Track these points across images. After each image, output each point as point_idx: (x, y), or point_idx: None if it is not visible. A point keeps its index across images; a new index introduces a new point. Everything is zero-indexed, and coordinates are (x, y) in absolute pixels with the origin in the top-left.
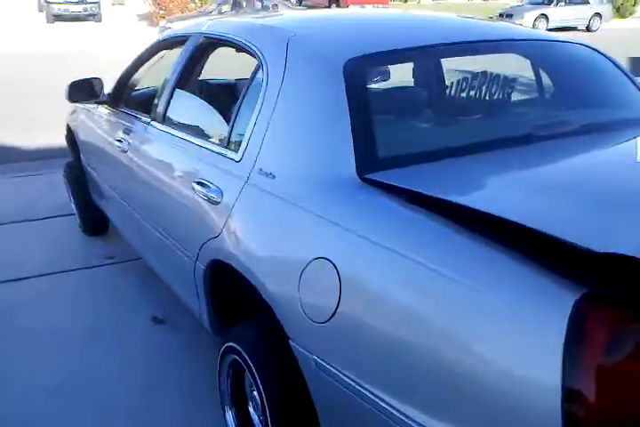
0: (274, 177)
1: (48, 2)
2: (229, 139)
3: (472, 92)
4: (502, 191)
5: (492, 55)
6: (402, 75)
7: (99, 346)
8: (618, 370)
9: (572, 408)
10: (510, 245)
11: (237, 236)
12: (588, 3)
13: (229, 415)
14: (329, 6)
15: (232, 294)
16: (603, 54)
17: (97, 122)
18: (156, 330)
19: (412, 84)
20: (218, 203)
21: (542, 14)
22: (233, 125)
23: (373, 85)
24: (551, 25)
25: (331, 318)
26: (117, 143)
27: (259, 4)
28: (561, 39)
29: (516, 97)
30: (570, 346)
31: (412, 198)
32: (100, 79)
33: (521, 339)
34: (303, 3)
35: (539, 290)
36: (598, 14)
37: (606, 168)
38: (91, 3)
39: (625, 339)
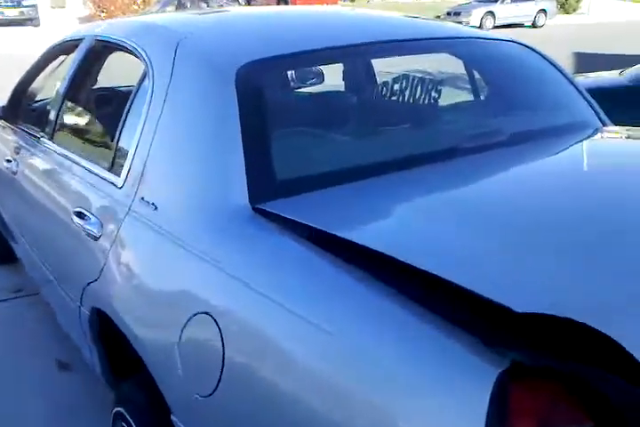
0: (155, 208)
1: None
2: (113, 159)
3: (393, 99)
4: (417, 224)
5: (421, 56)
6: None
7: None
8: None
9: None
10: (421, 300)
11: (115, 281)
12: None
13: None
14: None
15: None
16: (538, 53)
17: None
18: (58, 377)
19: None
20: (97, 238)
21: (489, 12)
22: (117, 143)
23: (298, 89)
24: (498, 22)
25: (214, 391)
26: (6, 164)
27: (204, 5)
28: (494, 37)
29: (444, 103)
30: None
31: (312, 237)
32: None
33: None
34: (252, 3)
35: (454, 362)
36: (543, 10)
37: (536, 189)
38: (27, 6)
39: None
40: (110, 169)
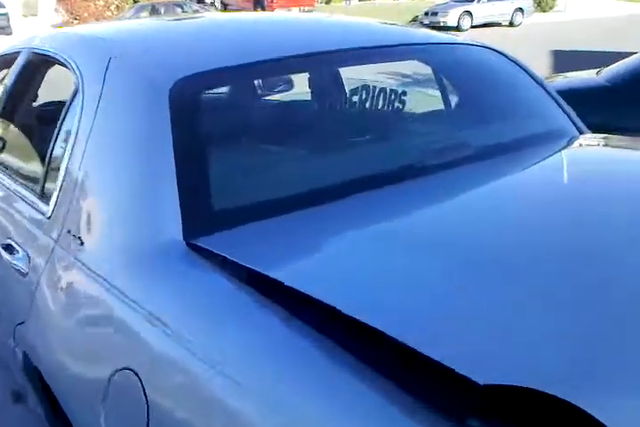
0: (82, 243)
1: None
2: (44, 185)
3: (353, 112)
4: (368, 262)
5: (383, 64)
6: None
7: None
8: None
9: None
10: (365, 359)
11: (39, 325)
12: None
13: None
14: (254, 11)
15: None
16: (508, 57)
17: None
18: (13, 409)
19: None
20: (25, 274)
21: (466, 11)
22: (48, 166)
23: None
24: (475, 22)
25: None
26: None
27: (178, 10)
28: (462, 42)
29: (408, 114)
30: None
31: (249, 278)
32: None
33: None
34: (228, 8)
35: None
36: (520, 9)
37: (504, 214)
38: None
39: None
40: (41, 196)
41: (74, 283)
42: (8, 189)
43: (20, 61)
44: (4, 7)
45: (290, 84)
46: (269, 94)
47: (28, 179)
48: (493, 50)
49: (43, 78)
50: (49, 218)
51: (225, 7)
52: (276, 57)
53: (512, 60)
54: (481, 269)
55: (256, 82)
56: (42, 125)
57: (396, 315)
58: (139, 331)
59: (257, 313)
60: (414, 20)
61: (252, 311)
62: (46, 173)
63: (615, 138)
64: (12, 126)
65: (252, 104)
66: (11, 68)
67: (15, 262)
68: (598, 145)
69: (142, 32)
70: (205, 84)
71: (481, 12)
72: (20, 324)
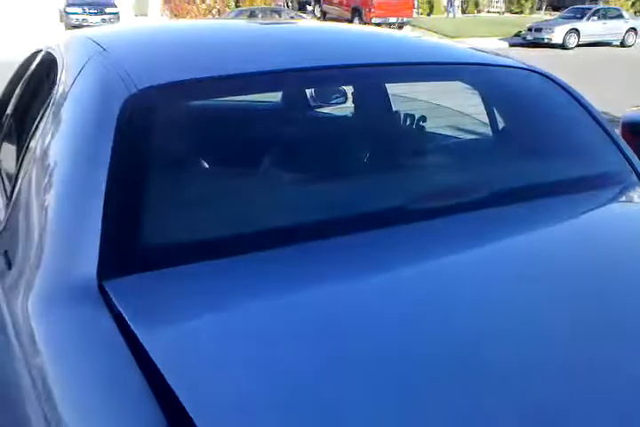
0: (10, 267)
1: (67, 12)
2: (10, 192)
3: (337, 138)
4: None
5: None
6: None
7: None
8: None
9: None
10: None
11: None
12: (623, 17)
13: None
14: (351, 20)
15: None
16: (562, 86)
17: None
18: None
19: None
20: None
21: (573, 29)
22: (17, 172)
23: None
24: (583, 40)
25: None
26: None
27: (275, 16)
28: (506, 63)
29: (398, 149)
30: None
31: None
32: None
33: None
34: (327, 16)
35: None
36: (633, 29)
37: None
38: (110, 13)
39: None
40: (5, 202)
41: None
42: None
43: (36, 60)
44: (116, 7)
45: (344, 97)
46: (322, 106)
47: (4, 184)
48: (547, 76)
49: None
50: (2, 230)
51: (324, 15)
52: (243, 72)
53: (565, 89)
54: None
55: (308, 93)
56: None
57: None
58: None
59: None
60: (517, 34)
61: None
62: (14, 179)
63: None
64: (12, 127)
65: (216, 125)
66: (29, 68)
67: None
68: None
69: (137, 37)
70: (167, 97)
71: (589, 31)
72: None
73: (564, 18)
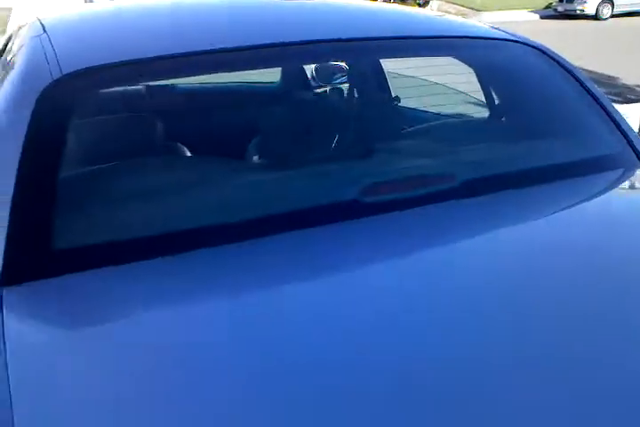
0: None
1: None
2: None
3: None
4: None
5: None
6: None
7: None
8: None
9: None
10: None
11: None
12: None
13: None
14: None
15: None
16: (555, 59)
17: None
18: None
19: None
20: None
21: None
22: None
23: None
24: (617, 10)
25: None
26: None
27: None
28: (495, 36)
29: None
30: None
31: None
32: None
33: None
34: None
35: None
36: None
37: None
38: None
39: None
40: None
41: None
42: None
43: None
44: None
45: (346, 76)
46: (324, 86)
47: None
48: (541, 50)
49: None
50: None
51: None
52: (194, 50)
53: (560, 63)
54: None
55: (309, 73)
56: None
57: None
58: None
59: None
60: (548, 6)
61: None
62: None
63: None
64: None
65: (147, 108)
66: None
67: None
68: None
69: (90, 14)
70: (90, 83)
71: (624, 0)
72: None
73: None
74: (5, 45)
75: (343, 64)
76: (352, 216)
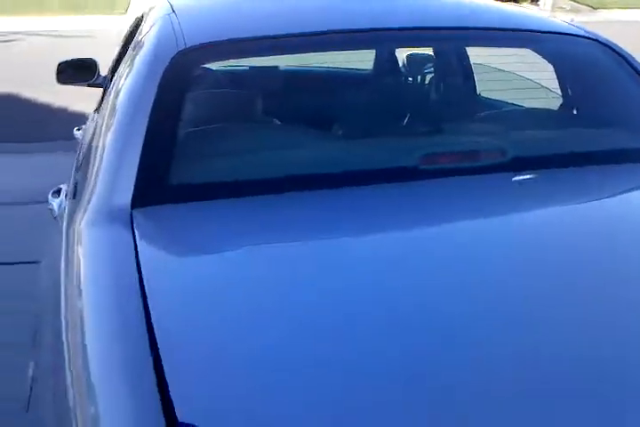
0: (74, 196)
1: None
2: (91, 137)
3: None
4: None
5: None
6: None
7: None
8: None
9: None
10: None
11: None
12: None
13: None
14: None
15: None
16: (621, 54)
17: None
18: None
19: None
20: (55, 218)
21: None
22: (98, 122)
23: None
24: None
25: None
26: (76, 132)
27: None
28: (568, 31)
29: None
30: None
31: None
32: (93, 60)
33: None
34: None
35: None
36: None
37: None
38: None
39: None
40: (89, 145)
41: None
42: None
43: (137, 23)
44: None
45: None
46: (415, 75)
47: (95, 130)
48: (607, 45)
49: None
50: (78, 169)
51: None
52: (287, 33)
53: (626, 59)
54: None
55: (400, 62)
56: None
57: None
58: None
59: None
60: None
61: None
62: (96, 125)
63: None
64: (111, 87)
65: (252, 84)
66: (132, 30)
67: (52, 208)
68: None
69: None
70: (208, 56)
71: None
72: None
73: None
74: (137, 24)
75: (431, 53)
76: (409, 179)
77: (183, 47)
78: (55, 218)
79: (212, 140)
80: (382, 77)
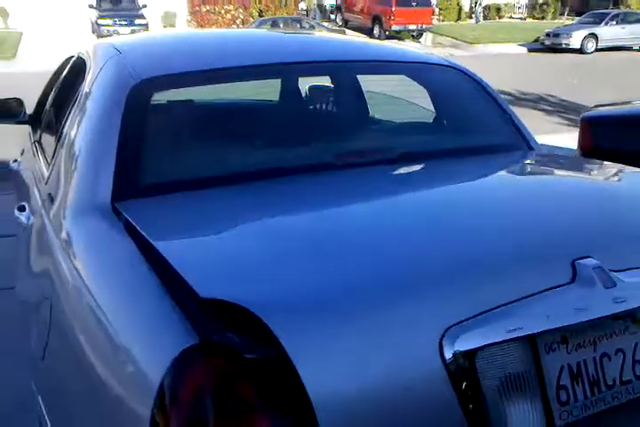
0: (52, 201)
1: (99, 24)
2: (52, 156)
3: (291, 114)
4: (217, 230)
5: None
6: None
7: None
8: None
9: None
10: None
11: (21, 260)
12: None
13: None
14: (372, 28)
15: None
16: (471, 76)
17: (19, 142)
18: None
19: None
20: (25, 228)
21: (591, 33)
22: (57, 142)
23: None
24: (601, 44)
25: (43, 355)
26: (12, 164)
27: (297, 25)
28: (431, 61)
29: (349, 119)
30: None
31: (133, 235)
32: (19, 99)
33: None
34: (348, 24)
35: (164, 328)
36: None
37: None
38: (139, 25)
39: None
40: (48, 166)
41: (39, 232)
42: (41, 162)
43: (70, 63)
44: (145, 19)
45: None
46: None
47: (47, 157)
48: (465, 73)
49: (77, 78)
50: (46, 183)
51: (346, 23)
52: (225, 66)
53: (476, 81)
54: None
55: (303, 93)
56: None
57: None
58: (60, 267)
59: (127, 262)
60: (536, 40)
61: (124, 260)
62: (55, 148)
63: (557, 158)
64: (55, 114)
65: (199, 105)
66: (64, 69)
67: (22, 218)
68: (538, 158)
69: (147, 42)
70: (158, 85)
71: (608, 35)
72: (18, 263)
73: (582, 23)
74: (75, 64)
75: (330, 85)
76: (327, 170)
77: (139, 80)
78: (25, 228)
79: (167, 148)
80: (291, 103)
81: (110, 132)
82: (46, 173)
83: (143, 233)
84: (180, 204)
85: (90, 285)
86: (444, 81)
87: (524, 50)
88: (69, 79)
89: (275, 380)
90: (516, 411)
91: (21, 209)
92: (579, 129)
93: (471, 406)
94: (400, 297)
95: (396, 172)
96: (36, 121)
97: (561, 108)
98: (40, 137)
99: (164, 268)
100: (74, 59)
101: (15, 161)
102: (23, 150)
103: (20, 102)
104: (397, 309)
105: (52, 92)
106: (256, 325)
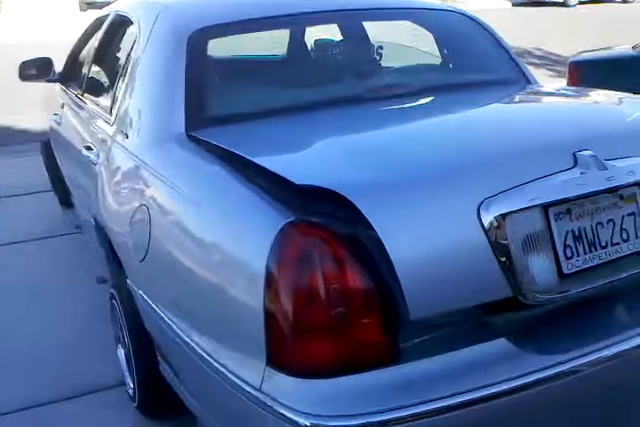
0: (127, 136)
1: None
2: (111, 103)
3: (324, 59)
4: (292, 146)
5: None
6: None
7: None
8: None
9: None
10: (257, 183)
11: (100, 194)
12: None
13: (120, 352)
14: None
15: None
16: (477, 21)
17: (51, 99)
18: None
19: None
20: (96, 164)
21: None
22: (115, 90)
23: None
24: None
25: (145, 257)
26: (54, 117)
27: None
28: (441, 7)
29: (370, 62)
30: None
31: (215, 153)
32: (50, 58)
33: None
34: None
35: (261, 215)
36: None
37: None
38: None
39: (315, 256)
40: (109, 111)
41: (120, 162)
42: (93, 111)
43: (107, 21)
44: None
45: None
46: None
47: (104, 102)
48: (467, 16)
49: (123, 33)
50: (111, 125)
51: None
52: (272, 15)
53: (482, 25)
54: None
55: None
56: (115, 66)
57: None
58: (151, 183)
59: (218, 173)
60: None
61: (215, 172)
62: (113, 95)
63: (553, 87)
64: (98, 69)
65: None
66: (102, 27)
67: (92, 157)
68: (534, 89)
69: None
70: (212, 33)
71: None
72: (92, 198)
73: None
74: (113, 21)
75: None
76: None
77: (194, 29)
78: (95, 164)
79: (225, 86)
80: (321, 53)
81: (177, 75)
82: (110, 116)
83: (228, 149)
84: (247, 129)
85: (186, 191)
86: (450, 24)
87: (509, 4)
88: (111, 35)
89: (361, 246)
90: (535, 262)
91: (89, 148)
92: (567, 72)
93: (503, 258)
94: (453, 178)
95: (422, 101)
96: (69, 78)
97: (548, 62)
98: (86, 90)
99: (257, 171)
100: (110, 17)
101: (56, 115)
102: (63, 104)
103: (50, 61)
104: (451, 185)
105: (90, 50)
106: (343, 205)
